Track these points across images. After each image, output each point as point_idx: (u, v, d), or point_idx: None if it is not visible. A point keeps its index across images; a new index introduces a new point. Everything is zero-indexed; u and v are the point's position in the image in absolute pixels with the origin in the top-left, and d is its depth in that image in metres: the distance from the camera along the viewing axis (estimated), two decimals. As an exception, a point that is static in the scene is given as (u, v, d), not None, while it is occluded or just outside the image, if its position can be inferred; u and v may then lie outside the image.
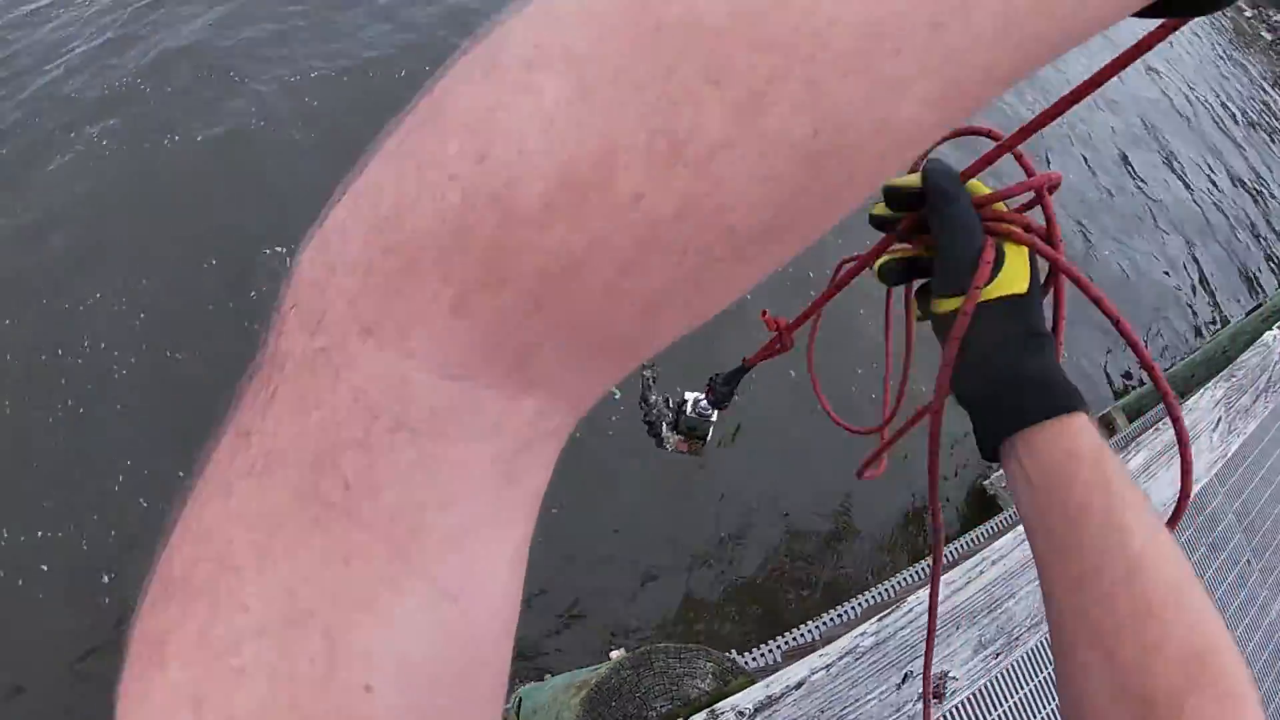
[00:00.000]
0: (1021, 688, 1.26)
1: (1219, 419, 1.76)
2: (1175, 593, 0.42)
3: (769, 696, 0.99)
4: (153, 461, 2.35)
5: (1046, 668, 1.28)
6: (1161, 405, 2.53)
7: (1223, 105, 6.69)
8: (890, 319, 0.74)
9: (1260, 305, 3.11)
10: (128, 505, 2.28)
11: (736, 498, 2.73)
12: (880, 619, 1.12)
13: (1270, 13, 9.59)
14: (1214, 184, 5.56)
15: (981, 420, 0.52)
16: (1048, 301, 0.55)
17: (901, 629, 1.12)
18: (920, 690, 1.06)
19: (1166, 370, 3.54)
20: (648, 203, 0.16)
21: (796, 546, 2.70)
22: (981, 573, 1.24)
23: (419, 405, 0.16)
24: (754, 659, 2.13)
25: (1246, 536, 1.78)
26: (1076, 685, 0.43)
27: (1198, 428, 1.71)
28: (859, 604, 2.35)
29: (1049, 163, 4.39)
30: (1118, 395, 3.45)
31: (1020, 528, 1.34)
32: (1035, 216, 0.54)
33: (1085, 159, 4.85)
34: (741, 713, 0.96)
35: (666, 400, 0.93)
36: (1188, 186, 5.33)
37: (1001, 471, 2.59)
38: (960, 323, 0.49)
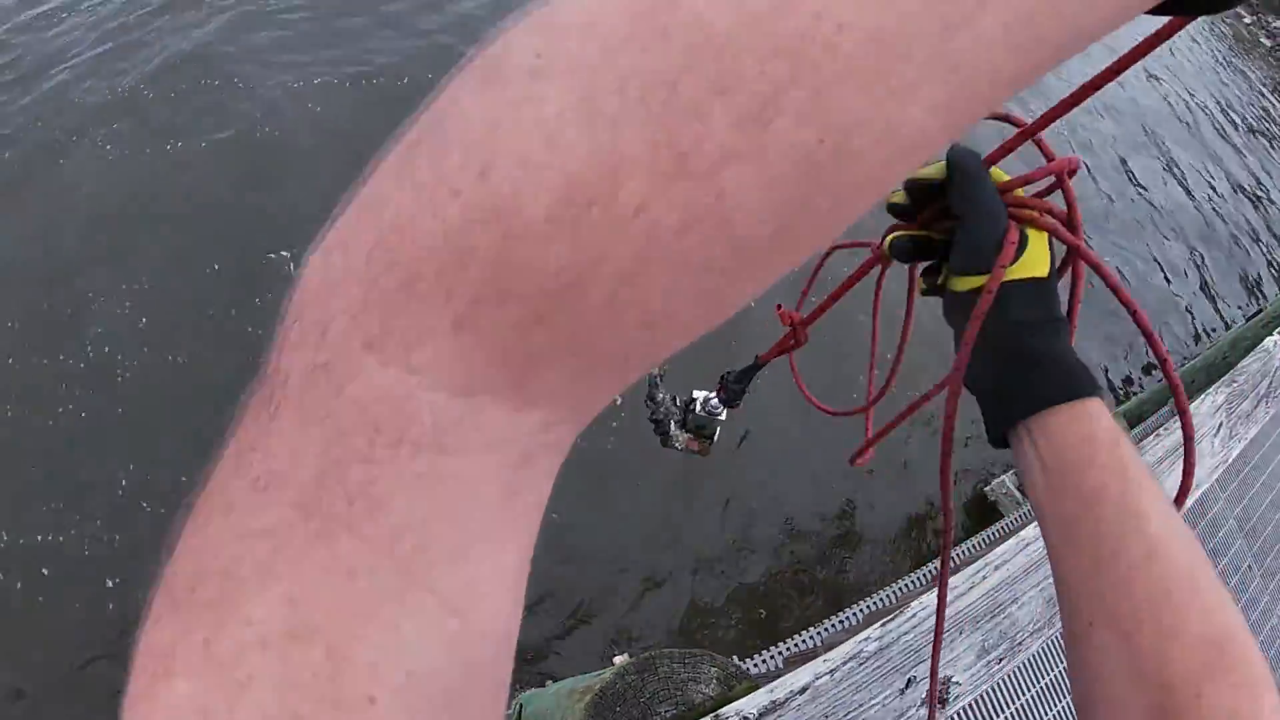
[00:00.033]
0: (1024, 693, 1.26)
1: (1220, 424, 1.76)
2: (1191, 578, 0.41)
3: (773, 701, 0.99)
4: (156, 466, 2.35)
5: (1049, 673, 1.29)
6: (1160, 413, 2.54)
7: (1223, 111, 6.71)
8: (879, 301, 0.72)
9: (1261, 311, 3.12)
10: (132, 510, 2.28)
11: (740, 502, 2.73)
12: (884, 624, 1.12)
13: (1270, 19, 9.61)
14: (1214, 190, 5.57)
15: (994, 403, 0.51)
16: (1063, 287, 0.55)
17: (905, 634, 1.12)
18: (924, 695, 1.07)
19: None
20: (650, 215, 0.16)
21: (799, 552, 2.70)
22: (984, 578, 1.25)
23: (422, 420, 0.16)
24: (755, 665, 2.13)
25: (1248, 542, 1.78)
26: (1091, 670, 0.43)
27: (1199, 433, 1.71)
28: (861, 610, 2.35)
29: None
30: (1120, 401, 3.45)
31: (1024, 532, 1.35)
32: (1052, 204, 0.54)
33: (1086, 165, 4.86)
34: (746, 718, 0.97)
35: (674, 398, 0.92)
36: (1188, 193, 5.34)
37: (1002, 479, 2.59)
38: (984, 301, 0.48)
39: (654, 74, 0.15)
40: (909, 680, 1.08)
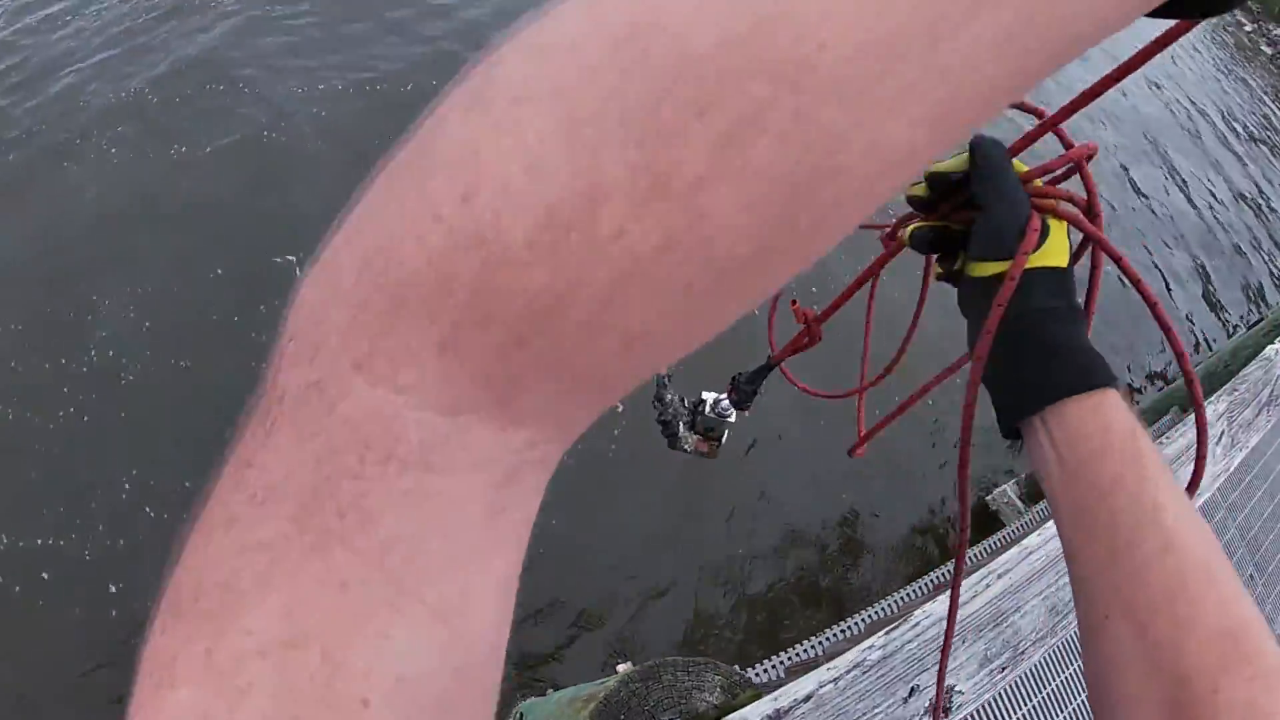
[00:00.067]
0: (1027, 702, 1.26)
1: (1222, 433, 1.76)
2: (1207, 570, 0.41)
3: (777, 710, 0.99)
4: (159, 471, 2.35)
5: (1052, 682, 1.29)
6: (1163, 421, 2.54)
7: (1224, 119, 6.73)
8: (875, 287, 0.70)
9: (1262, 319, 3.12)
10: (135, 515, 2.28)
11: (743, 509, 2.73)
12: (887, 632, 1.13)
13: (1270, 27, 9.64)
14: (1215, 198, 5.58)
15: (1009, 393, 0.50)
16: (1080, 278, 0.54)
17: (908, 643, 1.12)
18: (927, 704, 1.07)
19: (1171, 384, 3.55)
20: (629, 239, 0.16)
21: (802, 559, 2.70)
22: (987, 586, 1.25)
23: (409, 438, 0.17)
24: (757, 674, 2.13)
25: (1249, 550, 1.78)
26: (1107, 664, 0.43)
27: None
28: (863, 619, 2.35)
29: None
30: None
31: (1026, 541, 1.35)
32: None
33: (1087, 172, 4.86)
34: (749, 726, 0.97)
35: (683, 400, 0.91)
36: (1189, 201, 5.35)
37: (1004, 488, 2.59)
38: (1007, 288, 0.48)
39: (634, 97, 0.15)
40: (912, 689, 1.08)
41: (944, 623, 1.15)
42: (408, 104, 3.43)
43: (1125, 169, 5.14)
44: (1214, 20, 9.16)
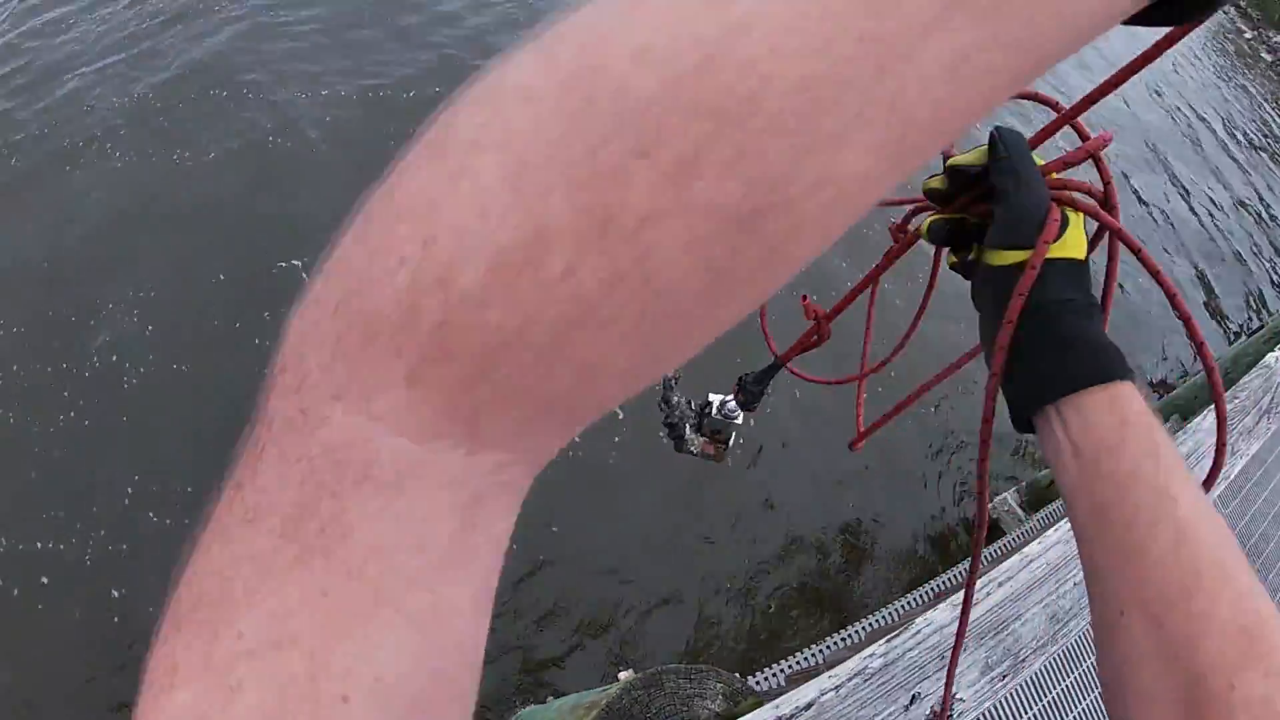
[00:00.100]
0: (1028, 710, 1.26)
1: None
2: (1222, 565, 0.41)
3: (778, 717, 1.00)
4: (161, 475, 2.35)
5: (1053, 690, 1.29)
6: (1171, 421, 2.54)
7: (1225, 127, 6.74)
8: (877, 289, 0.70)
9: (1262, 327, 3.13)
10: (138, 519, 2.27)
11: (745, 515, 2.73)
12: (888, 640, 1.13)
13: (1270, 34, 9.66)
14: (1217, 205, 5.59)
15: (1025, 383, 0.50)
16: (1097, 270, 0.54)
17: (910, 651, 1.13)
18: (927, 712, 1.07)
19: (1171, 391, 3.55)
20: (578, 277, 0.17)
21: (804, 566, 2.70)
22: (988, 594, 1.25)
23: (382, 461, 0.18)
24: (758, 682, 2.13)
25: (1250, 558, 1.78)
26: (1121, 660, 0.42)
27: (1201, 449, 1.72)
28: (863, 628, 2.35)
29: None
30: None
31: (1026, 549, 1.36)
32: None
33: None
34: (751, 733, 0.97)
35: (689, 402, 0.91)
36: (1190, 209, 5.35)
37: (1004, 496, 2.59)
38: (1028, 277, 0.48)
39: (578, 142, 0.16)
40: (913, 697, 1.09)
41: (944, 631, 1.16)
42: (413, 110, 3.45)
43: (1126, 177, 5.15)
44: (1213, 27, 9.18)
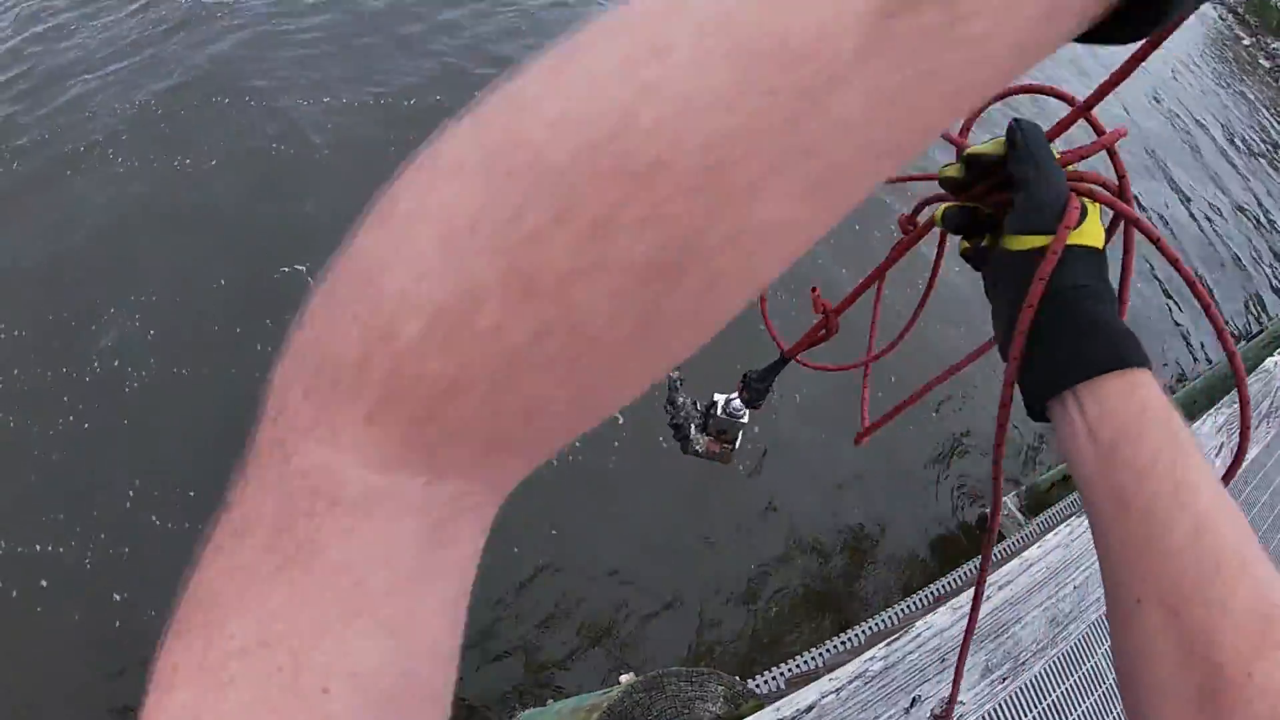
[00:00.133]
0: (1028, 713, 1.27)
1: (1221, 445, 1.77)
2: (1240, 553, 0.41)
3: (779, 720, 1.00)
4: (162, 479, 2.36)
5: (1053, 693, 1.29)
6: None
7: (1224, 133, 6.76)
8: (882, 285, 0.70)
9: (1262, 331, 3.13)
10: (138, 523, 2.28)
11: (748, 521, 2.73)
12: (889, 643, 1.13)
13: (1268, 40, 9.70)
14: (1217, 212, 5.60)
15: (1043, 368, 0.49)
16: (1114, 259, 0.55)
17: (910, 654, 1.13)
18: (928, 715, 1.07)
19: (1172, 395, 3.54)
20: (507, 331, 0.18)
21: (806, 569, 2.70)
22: (988, 598, 1.26)
23: (350, 488, 0.20)
24: (758, 685, 2.13)
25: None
26: (1137, 650, 0.42)
27: (1204, 450, 1.72)
28: (863, 631, 2.35)
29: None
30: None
31: (1026, 553, 1.36)
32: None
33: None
34: (752, 736, 0.97)
35: (694, 403, 0.90)
36: (1190, 214, 5.37)
37: (1004, 500, 2.59)
38: (1049, 260, 0.48)
39: (501, 211, 0.18)
40: (913, 699, 1.09)
41: (944, 634, 1.16)
42: (414, 117, 3.46)
43: (1125, 182, 5.15)
44: (1211, 34, 9.22)
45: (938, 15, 0.18)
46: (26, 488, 2.30)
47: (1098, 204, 0.53)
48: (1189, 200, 5.50)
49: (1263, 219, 5.91)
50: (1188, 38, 8.07)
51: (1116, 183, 0.55)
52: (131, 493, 2.33)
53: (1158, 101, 6.43)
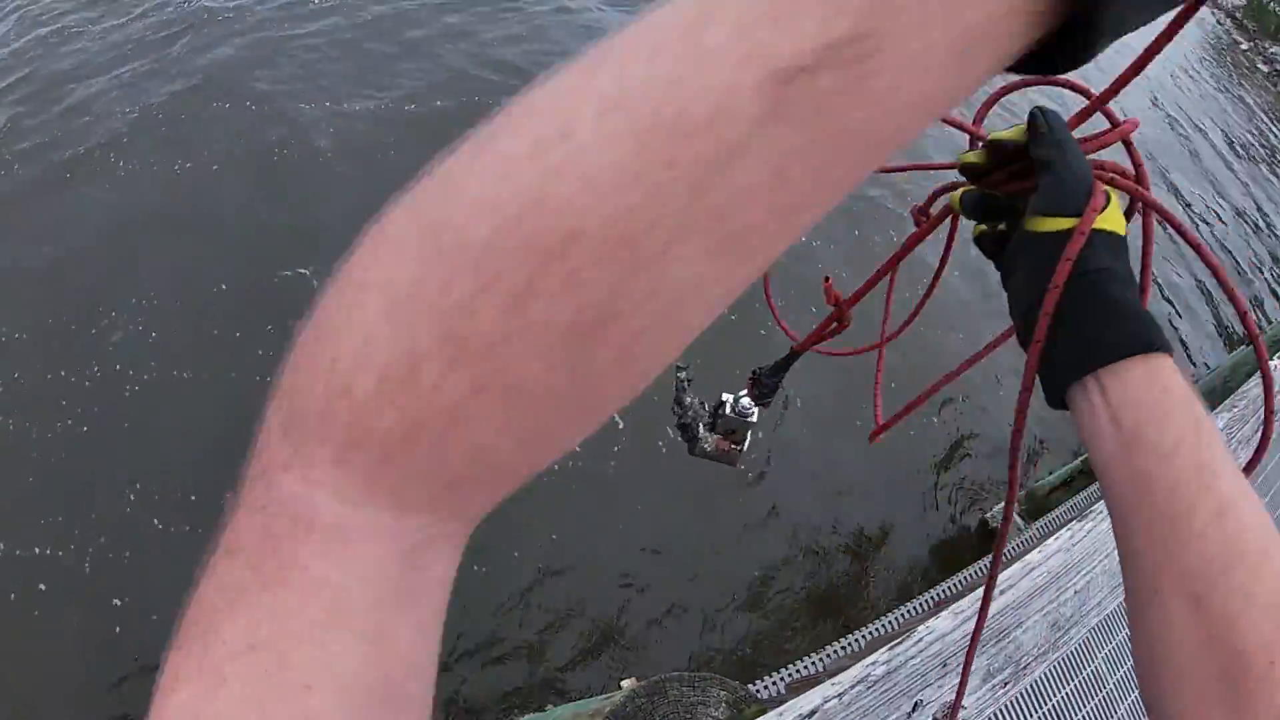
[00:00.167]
0: (1029, 717, 1.26)
1: (1222, 451, 1.77)
2: (1262, 540, 0.40)
3: (781, 724, 1.00)
4: (162, 482, 2.36)
5: (1054, 697, 1.29)
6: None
7: (1223, 137, 6.77)
8: (898, 265, 0.68)
9: (1262, 335, 3.13)
10: (138, 526, 2.27)
11: (750, 526, 2.73)
12: (891, 648, 1.13)
13: (1266, 45, 9.73)
14: (1216, 216, 5.61)
15: (1066, 351, 0.49)
16: (1134, 248, 0.54)
17: (912, 658, 1.13)
18: (932, 716, 1.07)
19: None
20: (447, 387, 0.20)
21: (807, 576, 2.70)
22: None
23: (324, 517, 0.22)
24: (761, 690, 2.13)
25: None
26: (1158, 639, 0.42)
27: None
28: (864, 635, 2.35)
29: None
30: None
31: (1028, 558, 1.36)
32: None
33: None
34: (754, 740, 0.97)
35: (702, 403, 0.90)
36: (1190, 219, 5.38)
37: (1002, 505, 2.58)
38: (1076, 242, 0.48)
39: (434, 282, 0.20)
40: (915, 704, 1.09)
41: (946, 639, 1.16)
42: (417, 121, 3.47)
43: (1124, 186, 5.16)
44: (1210, 39, 9.24)
45: (836, 78, 0.18)
46: (26, 490, 2.30)
47: (1117, 191, 0.53)
48: (1188, 205, 5.52)
49: (1262, 224, 5.92)
50: (1186, 43, 8.09)
51: (1133, 172, 0.55)
52: (132, 495, 2.33)
53: (1156, 106, 6.45)
